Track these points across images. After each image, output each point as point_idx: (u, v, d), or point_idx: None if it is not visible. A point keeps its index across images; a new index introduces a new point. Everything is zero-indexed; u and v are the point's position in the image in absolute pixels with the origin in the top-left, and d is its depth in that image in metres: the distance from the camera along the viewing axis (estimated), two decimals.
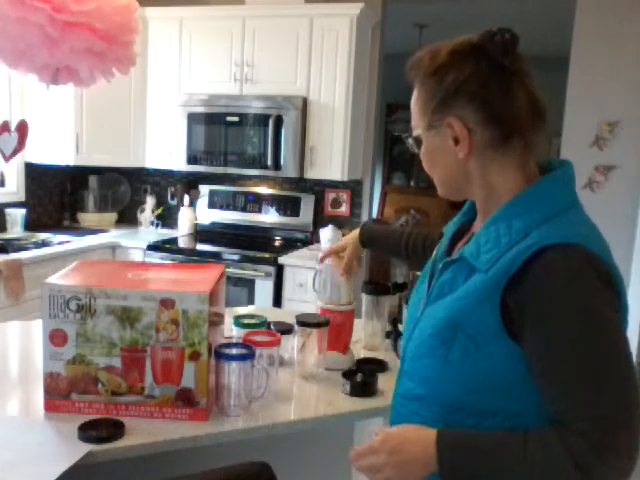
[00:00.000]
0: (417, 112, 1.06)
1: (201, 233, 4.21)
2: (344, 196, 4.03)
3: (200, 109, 3.80)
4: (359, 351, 1.82)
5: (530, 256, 0.91)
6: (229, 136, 3.76)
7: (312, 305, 2.10)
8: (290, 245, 3.91)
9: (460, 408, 0.99)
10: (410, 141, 1.08)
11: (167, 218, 4.37)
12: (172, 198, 4.40)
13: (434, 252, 1.19)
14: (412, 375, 1.07)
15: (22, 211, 3.84)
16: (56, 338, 1.32)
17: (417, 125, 1.06)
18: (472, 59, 0.98)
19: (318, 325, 1.60)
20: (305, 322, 1.61)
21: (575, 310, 0.89)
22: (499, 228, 0.98)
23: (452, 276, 1.03)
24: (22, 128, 2.86)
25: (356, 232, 1.70)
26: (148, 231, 4.24)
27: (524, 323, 0.92)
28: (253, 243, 3.95)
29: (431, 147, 1.05)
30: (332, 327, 1.63)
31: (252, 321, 1.70)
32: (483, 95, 0.97)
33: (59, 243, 3.60)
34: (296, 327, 1.62)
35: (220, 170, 3.83)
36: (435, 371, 1.01)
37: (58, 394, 1.35)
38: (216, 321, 1.44)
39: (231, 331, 1.69)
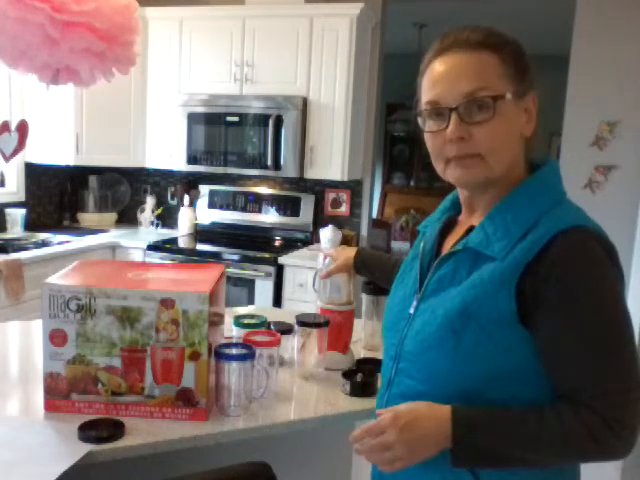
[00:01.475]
0: (502, 74, 0.99)
1: (201, 233, 4.21)
2: (344, 196, 4.03)
3: (200, 109, 3.80)
4: (359, 351, 1.82)
5: (548, 241, 0.94)
6: (229, 136, 3.76)
7: (312, 305, 2.10)
8: (290, 245, 3.91)
9: (471, 399, 0.99)
10: (486, 99, 0.97)
11: (167, 218, 4.37)
12: (172, 198, 4.40)
13: (419, 249, 1.17)
14: (412, 372, 1.06)
15: (22, 211, 3.84)
16: (56, 338, 1.32)
17: (496, 89, 0.98)
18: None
19: (318, 325, 1.60)
20: (305, 322, 1.61)
21: (593, 292, 0.93)
22: (506, 218, 1.00)
23: (454, 268, 1.03)
24: (22, 128, 2.86)
25: (353, 251, 1.69)
26: (148, 231, 4.24)
27: (538, 305, 0.94)
28: (253, 243, 3.94)
29: (512, 115, 1.00)
30: (332, 327, 1.63)
31: (252, 321, 1.70)
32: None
33: (59, 243, 3.60)
34: (296, 327, 1.62)
35: (220, 170, 3.83)
36: (444, 363, 1.00)
37: (58, 394, 1.35)
38: (216, 321, 1.44)
39: (231, 331, 1.69)
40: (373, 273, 1.71)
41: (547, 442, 0.93)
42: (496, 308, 0.95)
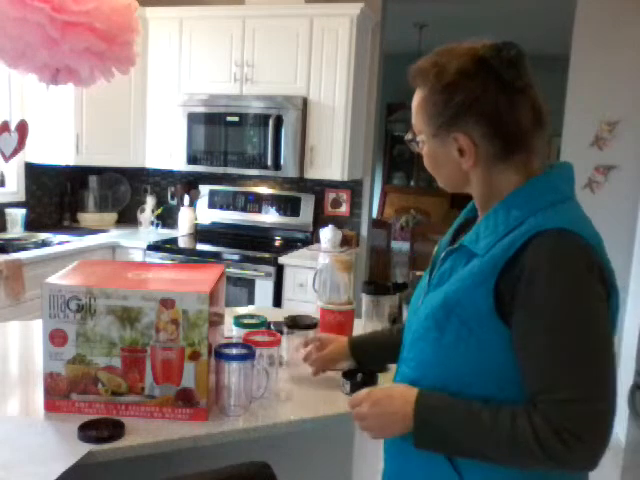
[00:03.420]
0: (422, 119, 1.07)
1: (201, 233, 4.21)
2: (344, 196, 4.03)
3: (200, 109, 3.80)
4: None
5: (526, 241, 0.94)
6: (229, 136, 3.76)
7: (312, 305, 2.10)
8: (290, 245, 3.91)
9: (452, 393, 1.01)
10: (414, 144, 1.11)
11: (167, 218, 4.37)
12: (172, 198, 4.40)
13: (437, 245, 1.22)
14: (408, 360, 1.11)
15: (22, 211, 3.84)
16: (56, 338, 1.32)
17: (420, 130, 1.08)
18: (480, 78, 0.99)
19: (307, 327, 1.61)
20: (294, 325, 1.62)
21: (558, 295, 0.91)
22: (498, 217, 1.01)
23: (452, 264, 1.06)
24: (22, 128, 2.86)
25: (344, 341, 1.53)
26: (148, 231, 4.23)
27: (513, 304, 0.94)
28: (253, 243, 3.94)
29: (434, 153, 1.07)
30: (332, 327, 1.63)
31: (252, 321, 1.70)
32: (490, 114, 0.99)
33: (59, 243, 3.60)
34: (285, 329, 1.63)
35: (220, 170, 3.83)
36: (428, 355, 1.05)
37: (58, 394, 1.35)
38: (216, 321, 1.44)
39: (231, 331, 1.70)
40: (378, 351, 1.50)
41: (495, 439, 0.93)
42: (474, 304, 0.97)
